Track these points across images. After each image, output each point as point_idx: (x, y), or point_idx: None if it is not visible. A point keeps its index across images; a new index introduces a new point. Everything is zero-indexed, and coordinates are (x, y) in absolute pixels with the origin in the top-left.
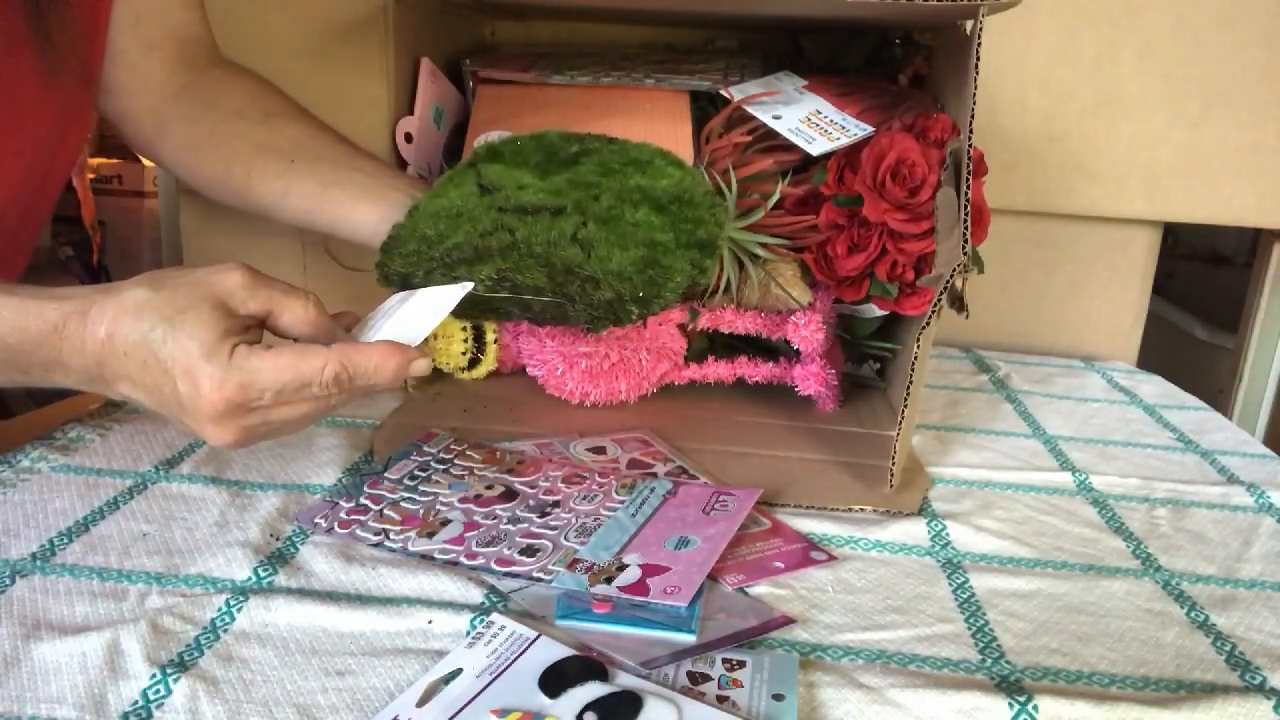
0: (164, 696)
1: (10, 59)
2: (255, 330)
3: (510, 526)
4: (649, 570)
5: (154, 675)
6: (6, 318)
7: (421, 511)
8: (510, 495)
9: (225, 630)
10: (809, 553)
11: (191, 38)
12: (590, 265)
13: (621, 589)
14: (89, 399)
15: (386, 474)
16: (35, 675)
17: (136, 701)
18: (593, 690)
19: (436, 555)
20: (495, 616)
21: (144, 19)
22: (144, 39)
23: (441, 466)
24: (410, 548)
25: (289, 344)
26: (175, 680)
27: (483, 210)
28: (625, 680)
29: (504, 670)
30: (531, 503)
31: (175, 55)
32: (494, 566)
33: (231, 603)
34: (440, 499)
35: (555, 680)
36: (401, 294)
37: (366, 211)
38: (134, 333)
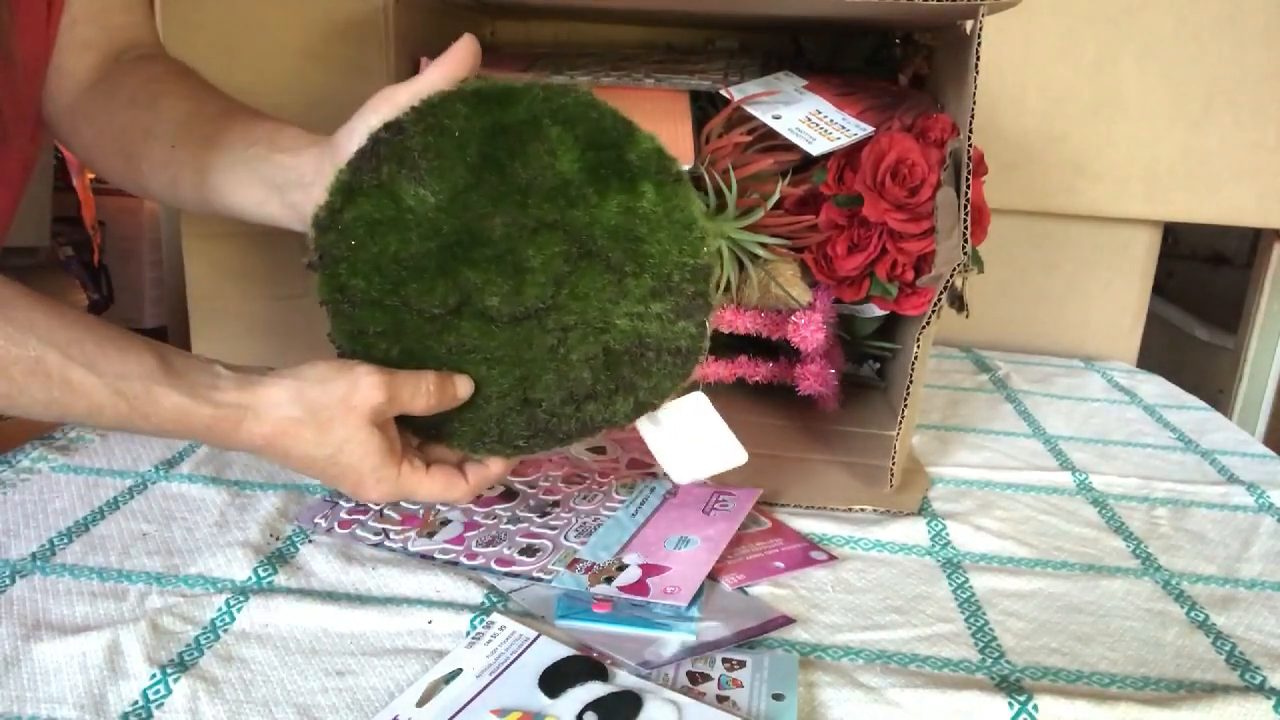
0: (164, 696)
1: None
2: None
3: (510, 526)
4: (649, 570)
5: (154, 675)
6: (165, 411)
7: (421, 511)
8: (510, 495)
9: (225, 630)
10: (809, 553)
11: (130, 41)
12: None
13: (621, 589)
14: None
15: None
16: (35, 675)
17: (136, 701)
18: (593, 690)
19: (436, 555)
20: (495, 616)
21: (80, 21)
22: (79, 40)
23: None
24: (410, 548)
25: (440, 470)
26: (175, 680)
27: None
28: (625, 680)
29: (504, 670)
30: (531, 502)
31: (107, 54)
32: (494, 566)
33: (231, 603)
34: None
35: (555, 680)
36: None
37: (243, 198)
38: (297, 452)
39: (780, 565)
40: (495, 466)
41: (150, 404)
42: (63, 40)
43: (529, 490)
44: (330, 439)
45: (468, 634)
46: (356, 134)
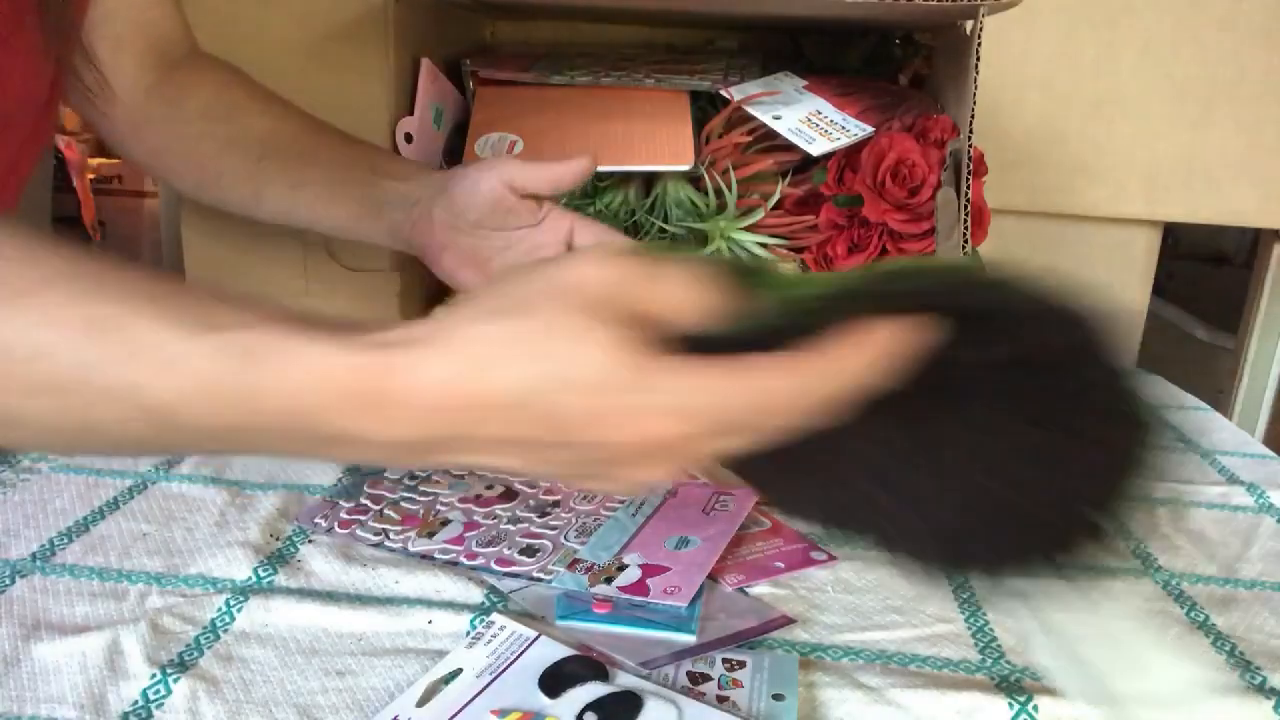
0: (164, 696)
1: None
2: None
3: (510, 526)
4: (649, 570)
5: (154, 675)
6: (307, 369)
7: (421, 511)
8: (510, 495)
9: (225, 630)
10: (809, 553)
11: (163, 35)
12: None
13: (621, 589)
14: None
15: (386, 474)
16: (35, 675)
17: (136, 701)
18: (593, 690)
19: (436, 555)
20: (495, 616)
21: (112, 16)
22: (113, 36)
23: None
24: (410, 548)
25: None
26: (175, 680)
27: None
28: (625, 680)
29: (504, 670)
30: (531, 502)
31: (145, 53)
32: (494, 566)
33: (231, 603)
34: (440, 499)
35: (555, 680)
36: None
37: (338, 213)
38: (500, 377)
39: (780, 565)
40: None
41: (272, 361)
42: (98, 40)
43: (529, 490)
44: (549, 344)
45: (468, 634)
46: (478, 187)
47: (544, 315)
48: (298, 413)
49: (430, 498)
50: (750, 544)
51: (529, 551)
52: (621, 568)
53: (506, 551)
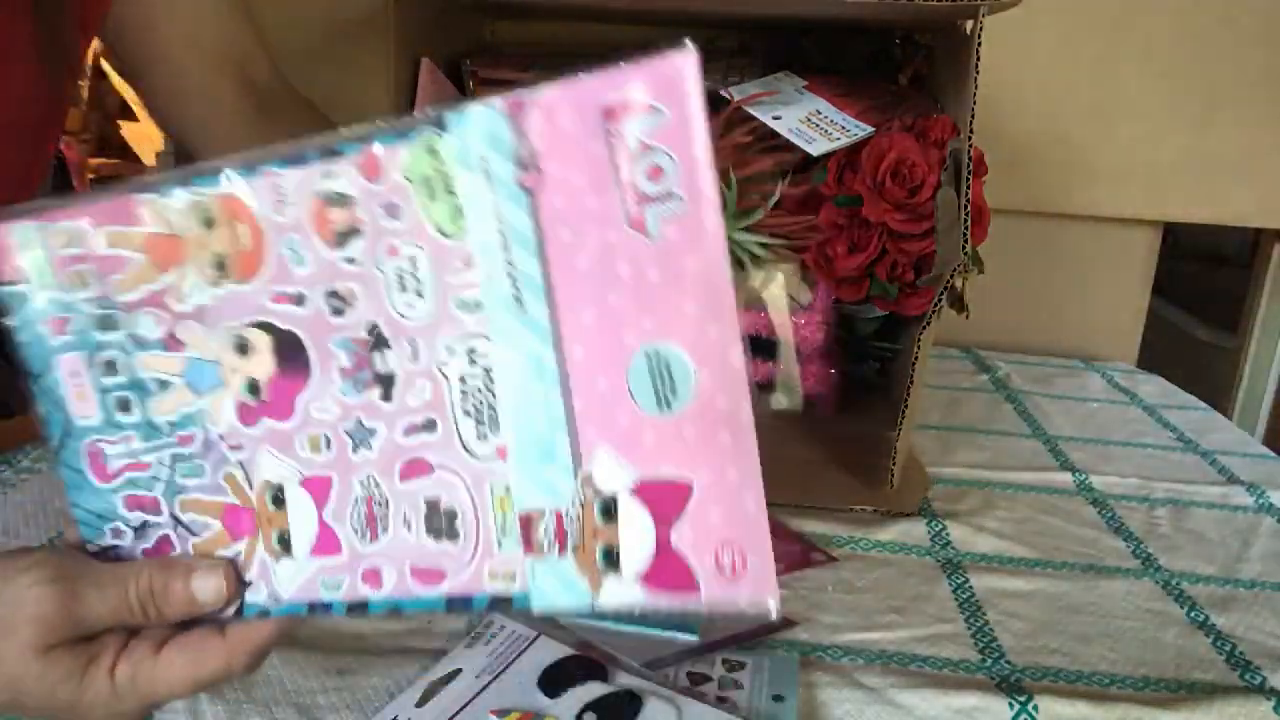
0: None
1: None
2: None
3: (364, 456)
4: (662, 513)
5: None
6: None
7: (230, 493)
8: (296, 367)
9: None
10: (809, 554)
11: (248, 56)
12: None
13: (649, 585)
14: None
15: (73, 418)
16: None
17: None
18: (592, 690)
19: (326, 598)
20: (495, 616)
21: (201, 39)
22: (207, 59)
23: (114, 323)
24: (282, 593)
25: (178, 647)
26: None
27: None
28: (625, 680)
29: (503, 670)
30: (344, 361)
31: (239, 76)
32: (412, 586)
33: None
34: (214, 435)
35: (555, 680)
36: None
37: None
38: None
39: (780, 565)
40: (268, 626)
41: None
42: (191, 60)
43: (298, 304)
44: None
45: (467, 634)
46: None
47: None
48: None
49: (198, 437)
50: None
51: (445, 529)
52: (609, 509)
53: (410, 544)
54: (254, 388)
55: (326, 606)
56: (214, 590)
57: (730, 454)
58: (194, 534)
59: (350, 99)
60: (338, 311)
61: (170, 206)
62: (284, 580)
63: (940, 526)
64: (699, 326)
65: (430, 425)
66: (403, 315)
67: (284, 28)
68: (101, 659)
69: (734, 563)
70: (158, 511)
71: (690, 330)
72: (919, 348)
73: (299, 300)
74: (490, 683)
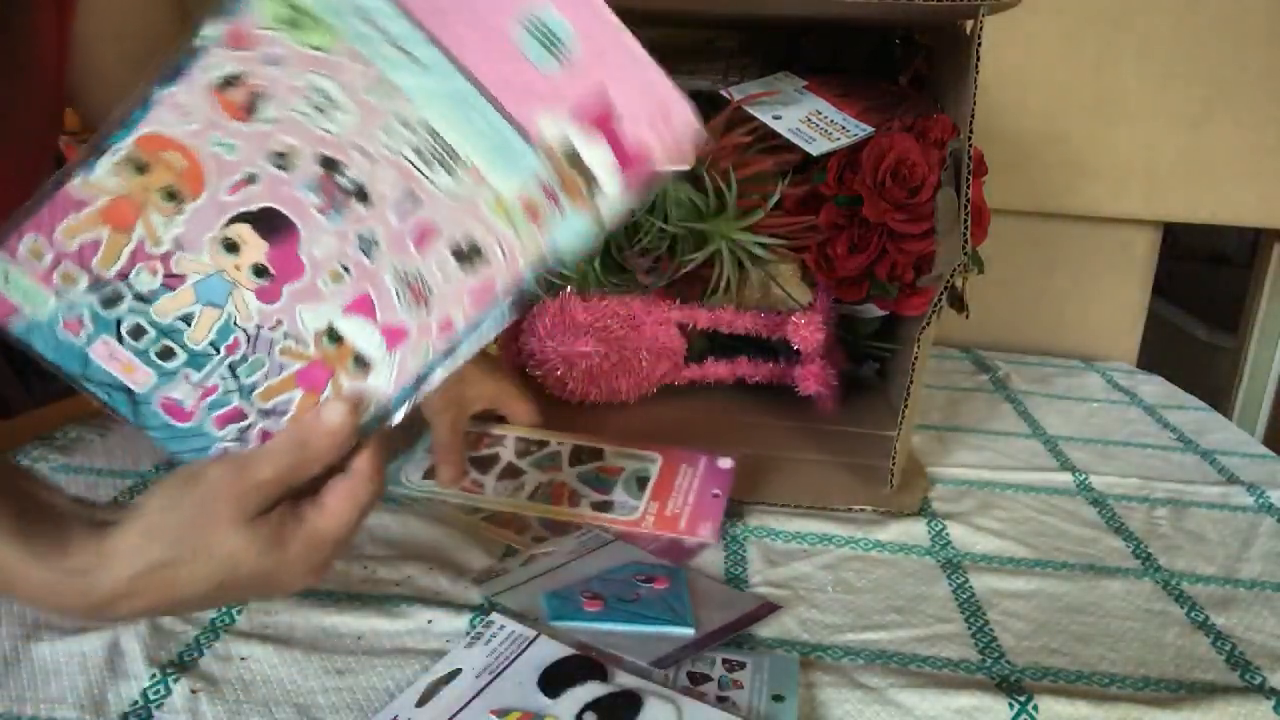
0: (164, 696)
1: None
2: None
3: (374, 255)
4: (598, 120)
5: (154, 675)
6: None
7: (291, 358)
8: (278, 224)
9: (225, 630)
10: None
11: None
12: None
13: (625, 179)
14: (90, 399)
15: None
16: (35, 675)
17: (136, 701)
18: (592, 690)
19: (423, 372)
20: (495, 616)
21: (126, 33)
22: (126, 52)
23: (125, 292)
24: (384, 391)
25: (327, 492)
26: (175, 680)
27: None
28: (625, 680)
29: (503, 670)
30: (314, 198)
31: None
32: (475, 313)
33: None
34: (253, 328)
35: (555, 680)
36: None
37: None
38: (179, 595)
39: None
40: (372, 438)
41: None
42: (109, 55)
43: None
44: (212, 564)
45: (467, 634)
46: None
47: (202, 543)
48: (9, 592)
49: (241, 335)
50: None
51: (470, 253)
52: (573, 157)
53: (453, 283)
54: (260, 270)
55: (427, 375)
56: (339, 410)
57: (621, 55)
58: (284, 413)
59: None
60: (284, 168)
61: (100, 177)
62: (381, 382)
63: (940, 526)
64: None
65: (412, 196)
66: (335, 133)
67: None
68: (286, 521)
69: (665, 118)
70: (245, 416)
71: None
72: (919, 348)
73: (251, 179)
74: (490, 682)
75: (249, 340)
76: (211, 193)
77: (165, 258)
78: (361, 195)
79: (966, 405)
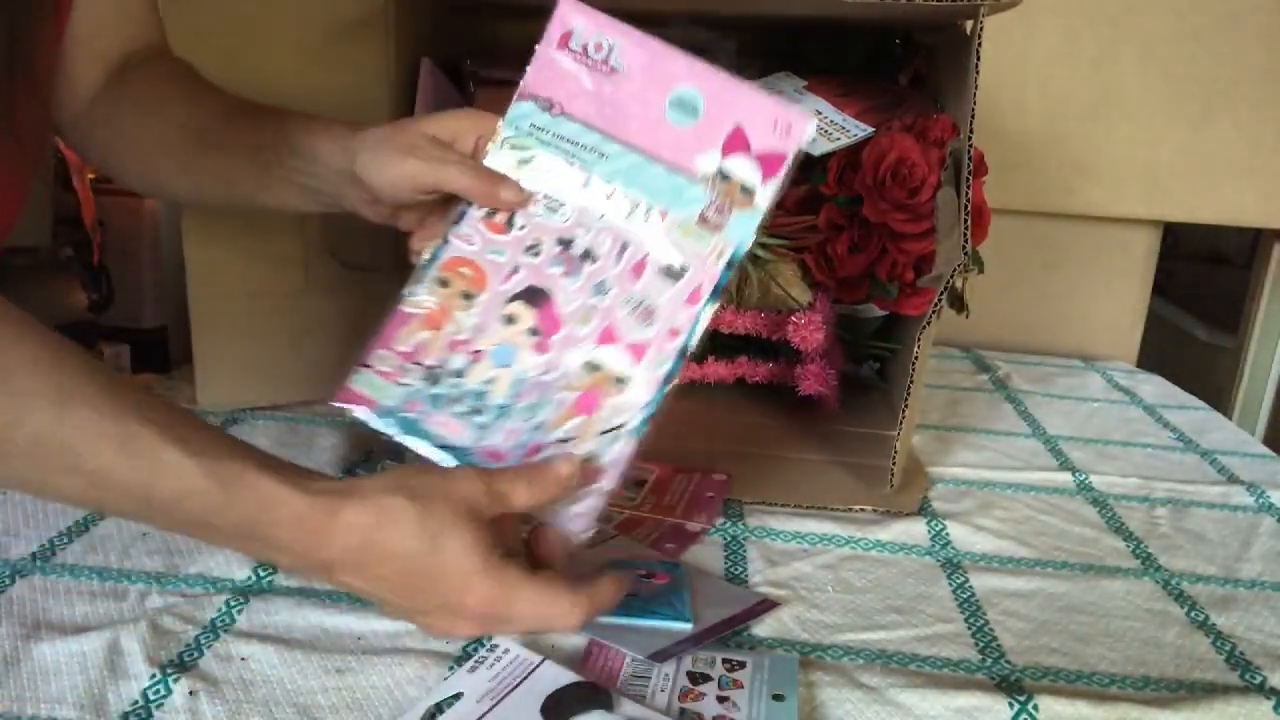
0: (164, 696)
1: None
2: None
3: (608, 295)
4: (736, 147)
5: (154, 675)
6: (260, 496)
7: (565, 393)
8: (541, 297)
9: (225, 630)
10: (684, 526)
11: (140, 47)
12: None
13: (767, 176)
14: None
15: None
16: (35, 675)
17: (136, 701)
18: (596, 719)
19: (665, 368)
20: (499, 640)
21: (100, 32)
22: (95, 52)
23: (445, 378)
24: (641, 399)
25: (547, 579)
26: (175, 680)
27: None
28: (630, 709)
29: (505, 695)
30: (558, 269)
31: (116, 63)
32: (692, 308)
33: (231, 603)
34: (535, 378)
35: (557, 708)
36: None
37: (276, 196)
38: (398, 543)
39: (671, 546)
40: (606, 588)
41: (244, 489)
42: (79, 52)
43: (517, 272)
44: (431, 522)
45: (466, 637)
46: (384, 180)
47: (431, 504)
48: (255, 525)
49: (527, 384)
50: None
51: (676, 272)
52: (725, 176)
53: (668, 296)
54: (534, 331)
55: (672, 373)
56: (568, 468)
57: (738, 97)
58: (574, 437)
59: (350, 99)
60: (535, 254)
61: (419, 295)
62: (639, 392)
63: (940, 526)
64: (690, 71)
65: (623, 244)
66: (562, 221)
67: (284, 28)
68: (498, 548)
69: (785, 128)
70: (542, 449)
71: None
72: (919, 348)
73: (515, 270)
74: (491, 708)
75: (534, 388)
76: (492, 287)
77: (467, 341)
78: (589, 257)
79: (966, 405)
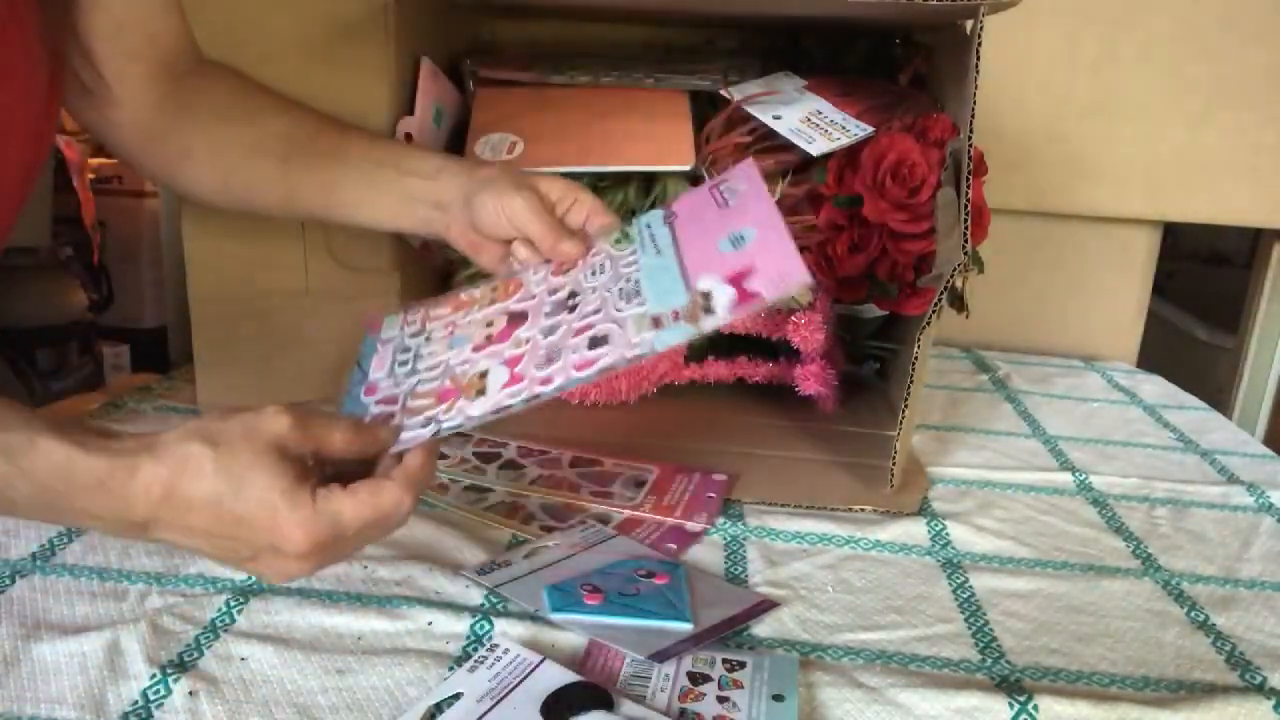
0: (164, 696)
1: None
2: (314, 467)
3: (551, 338)
4: (738, 278)
5: (154, 675)
6: (53, 464)
7: (448, 381)
8: (519, 317)
9: (225, 630)
10: (684, 526)
11: (170, 47)
12: None
13: (736, 305)
14: (89, 399)
15: (370, 373)
16: (35, 675)
17: (136, 701)
18: (596, 719)
19: (510, 403)
20: (499, 639)
21: (122, 29)
22: (123, 50)
23: (420, 339)
24: (473, 413)
25: (362, 482)
26: (175, 680)
27: None
28: (630, 709)
29: (505, 695)
30: (547, 308)
31: (154, 65)
32: (575, 374)
33: (231, 603)
34: (453, 362)
35: (558, 707)
36: None
37: (372, 212)
38: (199, 491)
39: (673, 546)
40: (414, 458)
41: (36, 458)
42: (108, 51)
43: (530, 302)
44: (235, 465)
45: (466, 638)
46: (498, 224)
47: (232, 447)
48: (55, 495)
49: (441, 367)
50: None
51: (599, 342)
52: (707, 295)
53: (574, 356)
54: (489, 337)
55: (506, 407)
56: (388, 435)
57: (776, 243)
58: (420, 412)
59: (350, 99)
60: (550, 291)
61: (476, 288)
62: (476, 408)
63: (940, 526)
64: (755, 219)
65: (597, 311)
66: (589, 285)
67: (284, 28)
68: (307, 480)
69: (782, 278)
70: (395, 402)
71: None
72: (919, 348)
73: (533, 296)
74: (491, 708)
75: (444, 370)
76: (510, 300)
77: (455, 323)
78: (570, 308)
79: (966, 405)
